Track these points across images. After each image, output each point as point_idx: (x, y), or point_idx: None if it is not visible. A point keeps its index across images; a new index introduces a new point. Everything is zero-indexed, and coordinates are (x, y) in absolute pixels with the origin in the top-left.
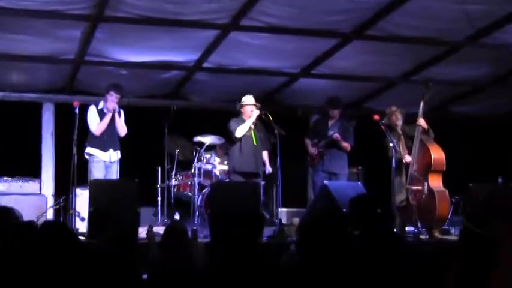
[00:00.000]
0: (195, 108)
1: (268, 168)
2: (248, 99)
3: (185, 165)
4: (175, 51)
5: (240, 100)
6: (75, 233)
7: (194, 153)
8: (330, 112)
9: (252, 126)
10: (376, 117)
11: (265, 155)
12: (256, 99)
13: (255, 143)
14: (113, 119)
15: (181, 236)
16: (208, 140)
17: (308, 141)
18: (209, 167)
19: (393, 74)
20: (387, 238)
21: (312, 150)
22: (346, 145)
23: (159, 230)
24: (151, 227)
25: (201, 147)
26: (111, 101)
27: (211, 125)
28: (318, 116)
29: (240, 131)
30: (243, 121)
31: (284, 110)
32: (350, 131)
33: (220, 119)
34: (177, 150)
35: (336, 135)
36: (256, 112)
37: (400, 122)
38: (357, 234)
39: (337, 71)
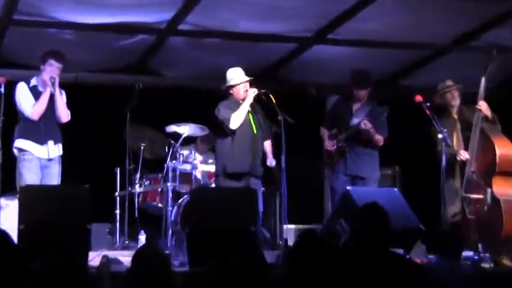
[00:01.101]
0: (168, 86)
1: (271, 161)
2: (237, 76)
3: (154, 166)
4: (140, 8)
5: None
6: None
7: (167, 148)
8: (355, 92)
9: (249, 108)
10: (419, 98)
11: (266, 145)
12: (252, 75)
13: (254, 131)
14: (52, 97)
15: (160, 266)
16: (185, 130)
17: (325, 132)
18: (187, 167)
19: (441, 39)
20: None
21: (330, 144)
22: (378, 138)
23: (117, 255)
24: (106, 258)
25: (176, 141)
26: (51, 72)
27: (190, 110)
28: (338, 98)
29: (235, 121)
30: (237, 104)
31: (291, 89)
32: (382, 118)
33: (203, 101)
34: (143, 145)
35: (365, 123)
36: (254, 91)
37: (457, 103)
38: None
39: (364, 36)
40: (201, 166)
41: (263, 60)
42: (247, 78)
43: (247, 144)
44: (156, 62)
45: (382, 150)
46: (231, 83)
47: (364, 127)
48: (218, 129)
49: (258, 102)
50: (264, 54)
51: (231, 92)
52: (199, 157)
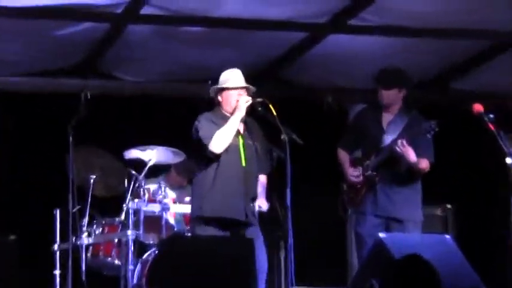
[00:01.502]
0: (128, 94)
1: (261, 204)
2: (233, 78)
3: (109, 206)
4: None
5: (215, 80)
6: None
7: (126, 182)
8: (379, 94)
9: (240, 128)
10: (479, 107)
11: (261, 180)
12: (247, 78)
13: (243, 163)
14: None
15: None
16: (152, 156)
17: (345, 157)
18: (155, 208)
19: (507, 26)
20: None
21: (353, 174)
22: (423, 166)
23: None
24: None
25: (140, 171)
26: None
27: (158, 128)
28: (364, 108)
29: (220, 141)
30: (224, 119)
31: (299, 96)
32: (427, 136)
33: (176, 115)
34: (93, 177)
35: (402, 144)
36: (246, 99)
37: None
38: None
39: (399, 21)
40: (175, 207)
41: (261, 57)
42: (246, 85)
43: (237, 179)
44: (110, 60)
45: (428, 181)
46: (223, 85)
47: (401, 150)
48: (196, 152)
49: (252, 116)
50: (261, 48)
51: (219, 99)
52: (171, 194)
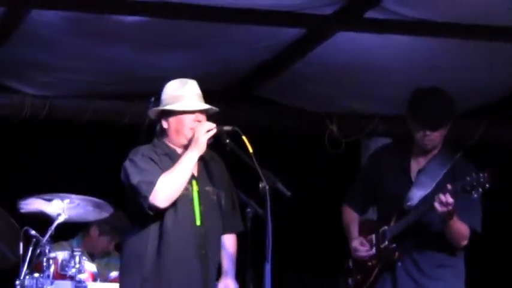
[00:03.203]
0: (27, 115)
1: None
2: (186, 96)
3: None
4: None
5: (156, 93)
6: None
7: (21, 247)
8: (428, 140)
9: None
10: None
11: (228, 244)
12: (209, 95)
13: (197, 221)
14: None
15: None
16: (62, 209)
17: (351, 219)
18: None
19: None
20: None
21: (363, 248)
22: (461, 231)
23: None
24: None
25: (43, 232)
26: None
27: (72, 166)
28: (383, 145)
29: (164, 191)
30: (170, 155)
31: (288, 124)
32: (473, 195)
33: (100, 147)
34: None
35: (444, 199)
36: (207, 127)
37: None
38: None
39: (441, 15)
40: (95, 286)
41: (232, 64)
42: (206, 107)
43: (189, 246)
44: (1, 64)
45: (472, 258)
46: (169, 107)
47: (441, 208)
48: (129, 206)
49: (215, 150)
50: (234, 52)
51: (164, 125)
52: (90, 266)
